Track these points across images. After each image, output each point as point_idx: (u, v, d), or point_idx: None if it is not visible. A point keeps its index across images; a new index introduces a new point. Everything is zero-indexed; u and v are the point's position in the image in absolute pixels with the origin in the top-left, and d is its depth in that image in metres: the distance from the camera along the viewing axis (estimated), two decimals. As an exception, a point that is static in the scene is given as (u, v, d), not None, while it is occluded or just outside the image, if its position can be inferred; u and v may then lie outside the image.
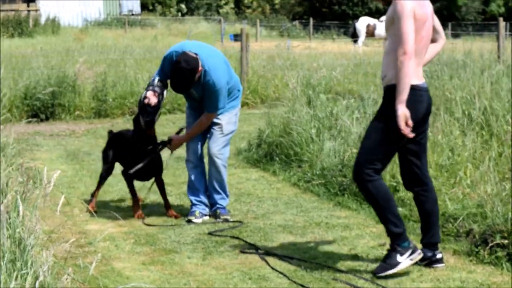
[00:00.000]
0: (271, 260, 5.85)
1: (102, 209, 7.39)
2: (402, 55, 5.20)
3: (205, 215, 7.13)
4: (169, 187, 8.05)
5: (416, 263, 5.59)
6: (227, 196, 7.27)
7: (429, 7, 5.46)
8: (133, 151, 7.13)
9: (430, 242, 5.61)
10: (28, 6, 45.38)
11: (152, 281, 5.43)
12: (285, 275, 5.48)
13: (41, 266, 4.42)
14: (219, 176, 7.15)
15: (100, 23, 45.86)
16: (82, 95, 14.51)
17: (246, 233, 6.64)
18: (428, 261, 5.58)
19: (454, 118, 8.76)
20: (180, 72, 6.71)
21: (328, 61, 17.63)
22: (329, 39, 40.20)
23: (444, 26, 46.45)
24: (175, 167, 9.28)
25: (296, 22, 51.86)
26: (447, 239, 6.16)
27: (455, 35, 42.45)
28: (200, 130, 7.09)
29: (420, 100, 5.37)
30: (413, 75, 5.28)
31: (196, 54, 6.80)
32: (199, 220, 7.02)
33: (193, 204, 7.15)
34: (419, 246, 5.66)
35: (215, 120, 7.08)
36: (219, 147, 7.10)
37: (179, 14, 59.83)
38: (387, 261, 5.43)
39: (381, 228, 6.66)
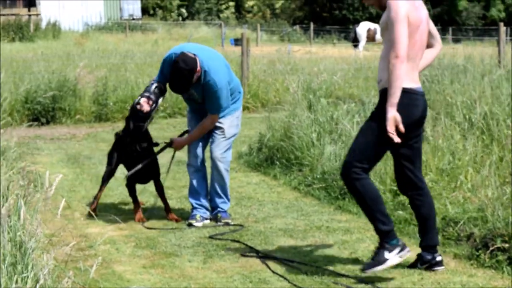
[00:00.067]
0: (272, 263, 5.85)
1: (102, 212, 7.39)
2: (394, 58, 5.21)
3: (206, 218, 7.13)
4: (170, 191, 8.06)
5: (416, 267, 5.60)
6: (228, 200, 7.27)
7: (424, 11, 5.46)
8: (127, 152, 7.15)
9: (428, 245, 5.60)
10: (29, 10, 45.44)
11: (152, 284, 5.44)
12: (285, 279, 5.49)
13: (41, 269, 4.43)
14: (221, 180, 7.15)
15: (101, 28, 45.91)
16: (83, 99, 14.52)
17: (246, 237, 6.64)
18: (428, 265, 5.58)
19: (455, 122, 8.77)
20: (178, 72, 6.70)
21: (329, 66, 17.65)
22: (329, 43, 40.26)
23: (445, 31, 46.43)
24: (175, 170, 9.27)
25: (297, 27, 51.89)
26: (448, 243, 6.16)
27: (456, 40, 42.51)
28: (202, 133, 7.08)
29: (415, 104, 5.37)
30: (407, 78, 5.29)
31: (195, 55, 6.80)
32: (199, 224, 7.02)
33: (194, 208, 7.15)
34: (418, 250, 5.67)
35: (218, 124, 7.07)
36: (221, 151, 7.09)
37: (180, 18, 59.90)
38: (376, 258, 5.43)
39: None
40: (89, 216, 7.15)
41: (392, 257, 5.41)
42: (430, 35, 5.59)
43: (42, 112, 13.99)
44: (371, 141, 5.38)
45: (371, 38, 29.02)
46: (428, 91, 10.34)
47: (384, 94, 5.35)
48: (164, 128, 12.98)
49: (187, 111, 7.42)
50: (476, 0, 57.97)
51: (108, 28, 45.43)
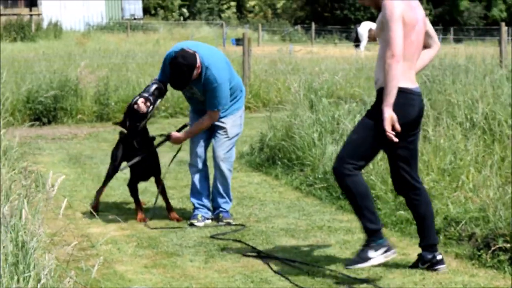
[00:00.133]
0: (273, 263, 5.85)
1: (104, 212, 7.40)
2: (390, 58, 5.20)
3: (208, 218, 7.13)
4: (171, 190, 8.06)
5: (418, 267, 5.59)
6: (230, 200, 7.27)
7: (420, 11, 5.44)
8: (126, 146, 7.17)
9: (428, 244, 5.60)
10: (30, 10, 45.46)
11: (154, 284, 5.44)
12: (287, 279, 5.49)
13: (43, 269, 4.43)
14: (224, 180, 7.14)
15: (102, 28, 45.91)
16: (84, 99, 14.53)
17: (248, 237, 6.64)
18: (429, 264, 5.58)
19: (456, 122, 8.77)
20: (177, 68, 6.70)
21: (330, 66, 17.65)
22: (331, 43, 40.23)
23: (446, 31, 46.41)
24: (177, 170, 9.28)
25: (298, 27, 51.88)
26: (450, 243, 6.16)
27: (457, 40, 42.48)
28: (201, 130, 7.06)
29: (411, 103, 5.36)
30: (404, 78, 5.28)
31: (194, 51, 6.80)
32: (201, 224, 7.02)
33: (195, 208, 7.15)
34: (418, 250, 5.67)
35: (220, 124, 7.07)
36: (224, 151, 7.09)
37: (181, 18, 59.89)
38: (360, 255, 5.43)
39: (383, 231, 6.67)
40: (91, 216, 7.15)
41: (377, 257, 5.40)
42: (427, 35, 5.58)
43: (44, 112, 14.00)
44: (365, 139, 5.37)
45: (372, 38, 29.00)
46: (429, 91, 10.34)
47: (380, 94, 5.34)
48: (165, 128, 12.97)
49: (189, 111, 7.42)
50: (477, 0, 57.95)
51: (109, 28, 45.42)
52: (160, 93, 6.96)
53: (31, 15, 43.22)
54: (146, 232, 6.83)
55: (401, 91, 5.26)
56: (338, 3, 57.13)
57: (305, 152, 8.97)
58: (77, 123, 14.14)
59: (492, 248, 5.67)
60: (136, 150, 7.11)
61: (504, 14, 57.16)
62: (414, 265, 5.65)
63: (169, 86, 7.02)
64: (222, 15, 63.24)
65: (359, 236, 6.58)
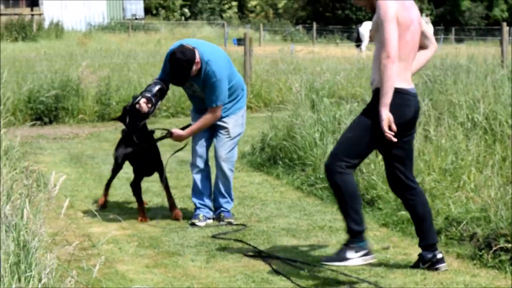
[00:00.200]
0: (275, 263, 5.86)
1: (105, 211, 7.40)
2: (385, 59, 5.20)
3: (209, 218, 7.13)
4: (173, 190, 8.04)
5: (419, 267, 5.59)
6: (232, 200, 7.27)
7: (415, 11, 5.43)
8: (126, 141, 7.19)
9: (428, 244, 5.59)
10: (31, 10, 45.48)
11: (155, 284, 5.44)
12: (288, 278, 5.49)
13: (44, 268, 4.43)
14: (225, 180, 7.14)
15: (104, 28, 45.93)
16: (86, 99, 14.53)
17: (249, 236, 6.65)
18: (430, 263, 5.58)
19: (457, 122, 8.77)
20: (177, 63, 6.70)
21: (332, 66, 17.64)
22: (332, 43, 40.21)
23: (448, 31, 46.36)
24: (178, 170, 9.28)
25: (300, 27, 51.87)
26: (451, 243, 6.16)
27: (459, 40, 42.47)
28: (202, 128, 7.05)
29: (407, 104, 5.35)
30: (399, 79, 5.28)
31: (194, 47, 6.80)
32: (202, 223, 7.02)
33: (197, 208, 7.15)
34: (418, 250, 5.67)
35: (222, 124, 7.07)
36: (226, 150, 7.09)
37: (183, 18, 59.90)
38: (339, 253, 5.44)
39: (384, 231, 6.68)
40: (92, 215, 7.15)
41: (355, 258, 5.40)
42: (423, 36, 5.56)
43: (45, 112, 14.00)
44: (362, 138, 5.37)
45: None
46: (431, 91, 10.34)
47: (376, 94, 5.34)
48: (166, 128, 12.96)
49: (191, 110, 7.42)
50: (479, 0, 57.93)
51: (110, 28, 45.44)
52: (162, 94, 6.97)
53: (32, 15, 43.24)
54: (147, 231, 6.83)
55: (397, 92, 5.26)
56: (339, 3, 57.10)
57: (307, 152, 8.97)
58: (79, 123, 14.15)
59: (494, 248, 5.67)
60: (136, 145, 7.12)
61: (506, 14, 57.13)
62: (415, 265, 5.65)
63: (170, 85, 7.03)
64: (224, 15, 63.24)
65: (361, 236, 6.58)
